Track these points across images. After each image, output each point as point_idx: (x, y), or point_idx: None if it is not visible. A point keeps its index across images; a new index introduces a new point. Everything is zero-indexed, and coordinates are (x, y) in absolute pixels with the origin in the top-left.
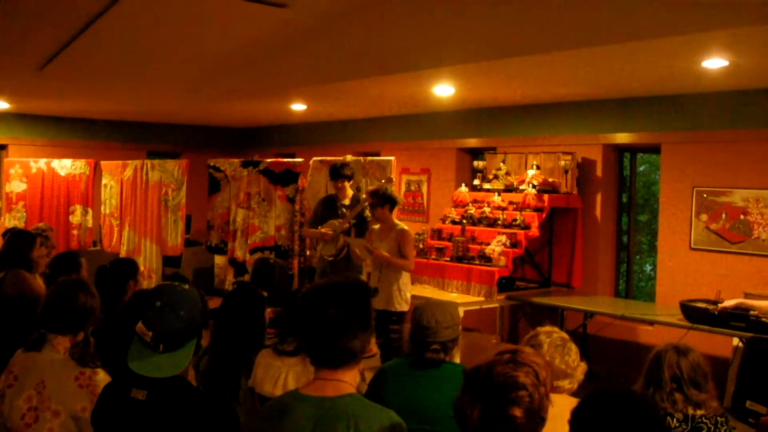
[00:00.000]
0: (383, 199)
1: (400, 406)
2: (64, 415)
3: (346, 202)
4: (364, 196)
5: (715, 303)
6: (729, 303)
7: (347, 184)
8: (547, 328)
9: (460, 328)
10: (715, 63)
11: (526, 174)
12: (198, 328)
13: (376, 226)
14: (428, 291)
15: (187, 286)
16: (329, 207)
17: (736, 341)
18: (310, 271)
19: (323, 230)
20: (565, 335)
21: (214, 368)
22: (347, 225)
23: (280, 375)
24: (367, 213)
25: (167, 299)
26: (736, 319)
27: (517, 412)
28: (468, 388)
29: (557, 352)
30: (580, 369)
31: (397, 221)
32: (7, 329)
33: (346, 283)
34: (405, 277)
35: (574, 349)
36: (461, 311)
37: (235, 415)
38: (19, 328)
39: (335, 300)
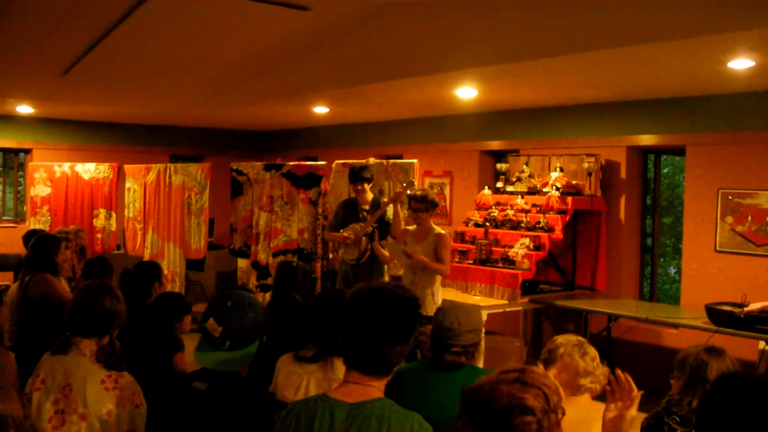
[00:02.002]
0: (431, 204)
1: (418, 410)
2: (90, 417)
3: (366, 206)
4: (385, 199)
5: (741, 306)
6: (755, 306)
7: (367, 187)
8: (565, 335)
9: (483, 333)
10: (741, 63)
11: (550, 176)
12: (262, 331)
13: (412, 227)
14: (451, 294)
15: (254, 295)
16: (350, 210)
17: (762, 345)
18: (333, 275)
19: (345, 234)
20: (583, 339)
21: (255, 374)
22: (370, 228)
23: (301, 383)
24: (389, 216)
25: (237, 300)
26: (763, 322)
27: None
28: (465, 408)
29: (575, 351)
30: (601, 370)
31: (434, 225)
32: (33, 332)
33: (397, 293)
34: (438, 282)
35: (592, 350)
36: (484, 314)
37: None
38: (45, 331)
39: (383, 308)
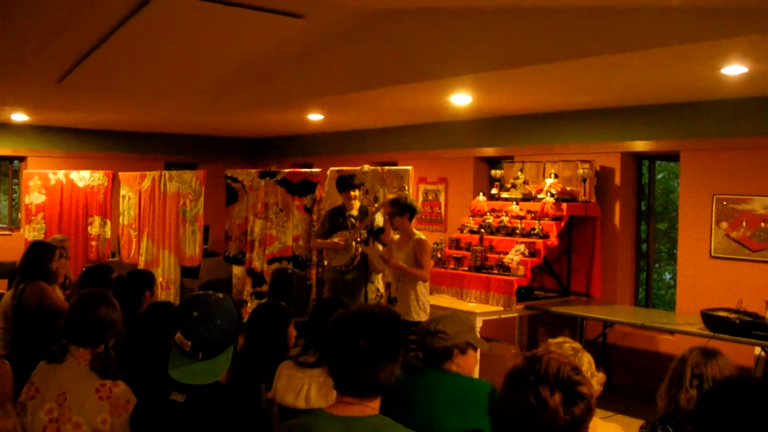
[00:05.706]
0: (403, 208)
1: (409, 420)
2: (85, 426)
3: (354, 212)
4: (376, 205)
5: (737, 312)
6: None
7: (357, 194)
8: (559, 339)
9: (457, 339)
10: (734, 69)
11: (544, 183)
12: (234, 336)
13: (397, 236)
14: (446, 301)
15: (221, 295)
16: (336, 218)
17: (758, 350)
18: None
19: (336, 239)
20: (578, 345)
21: (235, 380)
22: (359, 236)
23: (302, 386)
24: (378, 222)
25: (203, 309)
26: (758, 328)
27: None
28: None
29: None
30: (596, 379)
31: (415, 231)
32: (27, 340)
33: (378, 313)
34: (423, 287)
35: (586, 359)
36: (479, 321)
37: (269, 422)
38: (39, 340)
39: (367, 331)
